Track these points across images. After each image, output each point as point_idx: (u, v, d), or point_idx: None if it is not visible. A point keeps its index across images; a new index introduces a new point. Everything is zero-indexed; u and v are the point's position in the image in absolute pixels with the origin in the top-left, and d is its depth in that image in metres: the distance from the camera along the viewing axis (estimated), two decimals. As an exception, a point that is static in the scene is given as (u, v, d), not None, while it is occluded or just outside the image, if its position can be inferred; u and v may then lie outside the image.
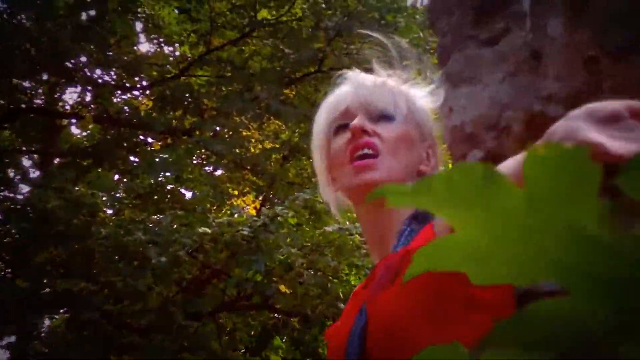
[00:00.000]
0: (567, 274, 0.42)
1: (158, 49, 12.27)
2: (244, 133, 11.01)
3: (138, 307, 9.40)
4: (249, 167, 10.75)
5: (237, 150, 10.23)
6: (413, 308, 1.40)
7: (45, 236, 8.65)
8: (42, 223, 8.55)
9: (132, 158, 11.01)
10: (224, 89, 10.76)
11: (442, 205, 0.42)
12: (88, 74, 10.47)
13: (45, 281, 8.91)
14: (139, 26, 11.69)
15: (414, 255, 0.45)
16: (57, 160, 11.63)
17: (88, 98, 11.49)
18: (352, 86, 1.79)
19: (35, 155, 11.87)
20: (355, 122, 1.70)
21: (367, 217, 1.73)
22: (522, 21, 1.56)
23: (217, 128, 10.61)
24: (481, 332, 0.43)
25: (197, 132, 10.34)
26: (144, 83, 11.44)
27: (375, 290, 1.51)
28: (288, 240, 9.03)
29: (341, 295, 9.68)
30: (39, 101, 11.61)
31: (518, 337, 0.42)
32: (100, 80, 10.78)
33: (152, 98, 11.42)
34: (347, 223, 8.98)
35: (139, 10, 11.29)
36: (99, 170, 11.09)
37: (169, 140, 11.13)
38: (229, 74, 10.79)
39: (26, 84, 10.86)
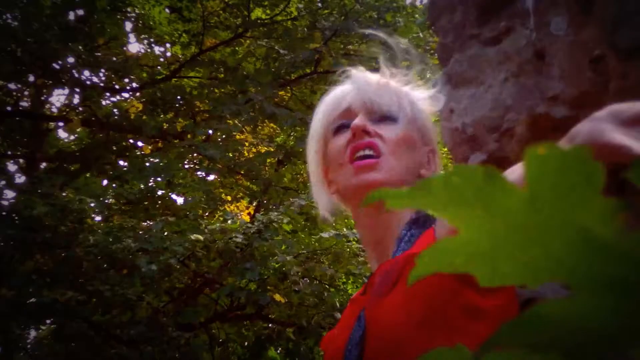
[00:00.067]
0: (572, 274, 0.42)
1: (148, 50, 12.29)
2: (238, 136, 11.00)
3: (127, 318, 9.39)
4: (242, 172, 10.74)
5: (231, 155, 10.22)
6: (413, 316, 1.40)
7: (31, 244, 8.63)
8: (28, 230, 8.53)
9: (121, 163, 11.01)
10: (216, 91, 10.76)
11: (443, 206, 0.42)
12: (76, 75, 10.46)
13: (31, 290, 8.88)
14: (128, 26, 11.73)
15: (418, 257, 0.45)
16: (43, 165, 11.61)
17: (76, 100, 11.51)
18: (355, 85, 1.79)
19: (21, 160, 11.85)
20: (357, 121, 1.69)
21: (366, 221, 1.73)
22: (526, 19, 1.55)
23: (210, 131, 10.60)
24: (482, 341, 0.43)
25: (189, 136, 10.34)
26: (134, 85, 11.44)
27: (374, 297, 1.50)
28: (283, 247, 9.02)
29: (338, 304, 9.68)
30: (25, 104, 11.62)
31: (523, 338, 0.42)
32: (88, 82, 10.78)
33: (142, 100, 11.41)
34: (345, 229, 8.98)
35: (129, 9, 11.31)
36: (87, 175, 11.09)
37: (159, 144, 11.14)
38: (222, 76, 10.79)
39: (12, 86, 10.87)
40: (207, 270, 9.63)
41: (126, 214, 10.37)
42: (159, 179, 10.18)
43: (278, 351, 12.11)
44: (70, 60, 10.26)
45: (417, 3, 11.50)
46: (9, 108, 10.82)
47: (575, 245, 0.41)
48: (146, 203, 10.32)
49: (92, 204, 9.56)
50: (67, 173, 10.73)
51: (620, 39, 1.39)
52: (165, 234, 9.01)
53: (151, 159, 10.35)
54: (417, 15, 11.09)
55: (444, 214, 0.43)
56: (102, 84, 11.07)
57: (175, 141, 10.44)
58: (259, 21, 11.17)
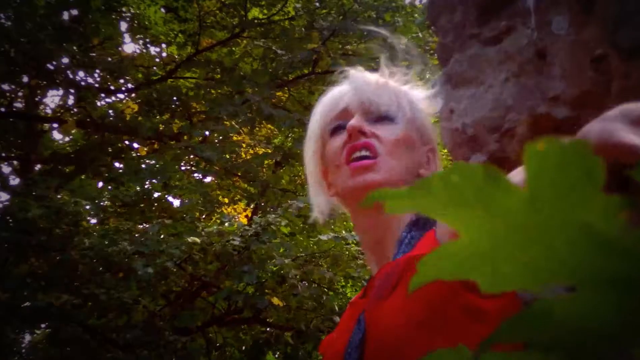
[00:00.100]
0: (575, 273, 0.42)
1: (144, 50, 12.28)
2: (235, 138, 11.01)
3: (123, 322, 9.39)
4: (239, 174, 10.75)
5: (228, 156, 10.22)
6: (413, 318, 1.40)
7: (25, 246, 8.63)
8: (22, 233, 8.52)
9: (117, 164, 11.02)
10: (213, 91, 10.76)
11: (442, 207, 0.43)
12: (70, 76, 10.47)
13: (25, 294, 8.88)
14: (123, 26, 11.72)
15: (419, 264, 0.45)
16: (38, 167, 11.61)
17: (70, 102, 11.51)
18: (352, 85, 1.79)
19: (15, 162, 11.85)
20: (353, 122, 1.69)
21: (364, 223, 1.73)
22: (527, 18, 1.56)
23: (207, 133, 10.60)
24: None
25: (185, 137, 10.34)
26: (129, 86, 11.44)
27: (374, 299, 1.50)
28: (281, 250, 9.02)
29: (337, 308, 9.68)
30: (19, 105, 11.62)
31: (524, 336, 0.42)
32: (83, 83, 10.79)
33: (137, 101, 11.42)
34: (343, 232, 8.98)
35: (124, 9, 11.30)
36: (82, 177, 11.09)
37: (155, 146, 11.13)
38: (219, 76, 10.80)
39: (5, 87, 10.85)
40: (204, 273, 9.62)
41: (122, 216, 10.38)
42: (155, 181, 10.19)
43: (276, 355, 12.11)
44: (65, 60, 10.27)
45: (417, 2, 11.50)
46: (2, 109, 10.82)
47: (578, 243, 0.41)
48: (142, 205, 10.34)
49: (88, 207, 9.56)
50: (62, 175, 10.73)
51: (621, 39, 1.40)
52: (162, 236, 9.01)
53: (147, 161, 10.35)
54: (416, 15, 11.09)
55: (444, 216, 0.43)
56: (97, 85, 11.07)
57: (172, 143, 10.44)
58: (256, 21, 11.17)
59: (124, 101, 12.08)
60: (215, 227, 9.29)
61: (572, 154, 0.40)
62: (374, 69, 1.85)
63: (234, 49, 11.55)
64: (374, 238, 1.70)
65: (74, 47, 9.96)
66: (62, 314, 8.65)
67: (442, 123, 1.75)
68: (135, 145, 11.36)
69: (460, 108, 1.67)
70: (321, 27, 10.41)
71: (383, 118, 1.73)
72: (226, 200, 12.05)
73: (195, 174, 11.45)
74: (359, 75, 1.82)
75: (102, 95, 11.50)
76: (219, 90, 10.70)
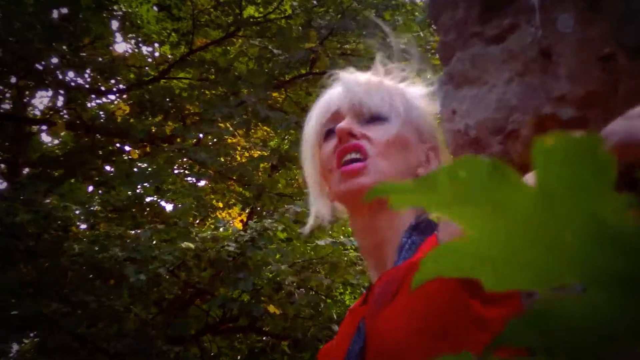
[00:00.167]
0: (584, 272, 0.42)
1: (136, 50, 12.27)
2: (230, 140, 11.00)
3: (114, 330, 9.38)
4: (234, 177, 10.75)
5: (222, 159, 10.23)
6: (414, 327, 1.40)
7: (13, 252, 8.61)
8: (10, 238, 8.51)
9: (107, 168, 11.01)
10: (207, 92, 10.76)
11: (448, 203, 0.42)
12: (60, 76, 10.47)
13: (13, 302, 8.87)
14: (114, 25, 11.70)
15: (422, 260, 0.45)
16: (26, 171, 11.60)
17: (60, 103, 11.50)
18: (343, 87, 1.80)
19: (2, 165, 11.83)
20: (342, 124, 1.70)
21: (360, 226, 1.73)
22: (531, 16, 1.56)
23: (201, 135, 10.61)
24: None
25: (179, 140, 10.32)
26: (121, 86, 11.44)
27: (374, 307, 1.50)
28: (277, 256, 9.02)
29: (335, 316, 9.68)
30: (6, 106, 11.60)
31: (531, 337, 0.42)
32: (73, 84, 10.79)
33: (129, 103, 11.41)
34: (342, 237, 8.98)
35: (115, 7, 11.29)
36: (72, 181, 11.08)
37: (147, 149, 11.12)
38: (213, 77, 10.79)
39: (-8, 87, 10.85)
40: (198, 280, 9.61)
41: (113, 221, 10.35)
42: (147, 184, 10.17)
43: (272, 365, 12.11)
44: (54, 60, 10.26)
45: (417, 0, 11.50)
46: (-11, 111, 10.82)
47: (588, 241, 0.41)
48: (134, 210, 10.31)
49: (77, 211, 9.55)
50: (51, 179, 10.72)
51: (627, 38, 1.40)
52: (154, 242, 9.01)
53: (139, 164, 10.34)
54: (417, 13, 11.09)
55: (449, 212, 0.43)
56: (87, 86, 11.06)
57: (164, 145, 10.43)
58: (251, 19, 11.17)
59: (115, 102, 12.07)
60: (209, 232, 9.29)
61: (583, 149, 0.39)
62: (374, 64, 1.86)
63: (228, 48, 11.55)
64: (373, 242, 1.69)
65: (64, 47, 9.96)
66: (51, 322, 8.63)
67: (444, 124, 1.75)
68: (127, 148, 11.35)
69: (462, 109, 1.67)
70: (319, 25, 10.42)
71: (375, 118, 1.73)
72: (221, 204, 12.04)
73: (189, 178, 11.43)
74: (348, 76, 1.82)
75: (93, 96, 11.50)
76: (214, 91, 10.70)
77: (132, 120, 10.69)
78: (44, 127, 11.76)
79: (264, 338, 11.30)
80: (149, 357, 9.04)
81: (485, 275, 0.43)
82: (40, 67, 10.10)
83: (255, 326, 10.49)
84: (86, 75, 11.03)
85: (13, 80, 10.82)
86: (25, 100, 11.76)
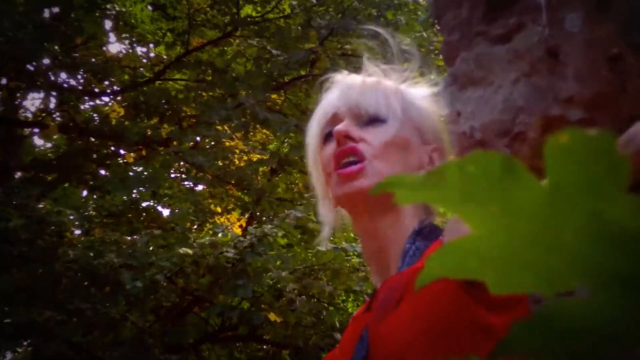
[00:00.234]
0: (593, 275, 0.42)
1: (130, 50, 12.28)
2: (227, 143, 11.01)
3: (110, 338, 9.37)
4: (233, 182, 10.74)
5: (220, 163, 10.21)
6: (417, 328, 1.40)
7: (6, 258, 8.61)
8: (2, 244, 8.51)
9: (102, 172, 11.00)
10: (204, 94, 10.75)
11: (456, 199, 0.43)
12: (52, 78, 10.47)
13: (6, 309, 8.87)
14: (108, 24, 11.70)
15: (426, 260, 0.45)
16: (18, 175, 11.59)
17: (52, 105, 11.49)
18: (339, 89, 1.81)
19: (-7, 169, 11.84)
20: (339, 127, 1.71)
21: (361, 229, 1.73)
22: (538, 15, 1.56)
23: (198, 138, 10.61)
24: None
25: (175, 143, 10.33)
26: (115, 88, 11.44)
27: (377, 314, 1.51)
28: (278, 262, 9.01)
29: (337, 324, 9.67)
30: (-3, 109, 11.60)
31: (538, 340, 0.42)
32: (65, 85, 10.79)
33: (124, 105, 11.40)
34: (344, 243, 8.97)
35: (108, 6, 11.29)
36: (66, 185, 11.06)
37: (143, 152, 11.12)
38: (210, 78, 10.79)
39: (-18, 89, 10.85)
40: (197, 287, 9.61)
41: (108, 227, 10.35)
42: (143, 189, 10.17)
43: (273, 374, 12.10)
44: (46, 61, 10.26)
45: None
46: (-20, 113, 10.81)
47: (599, 242, 0.41)
48: (130, 215, 10.31)
49: (72, 217, 9.56)
50: (44, 183, 10.70)
51: (635, 38, 1.40)
52: (151, 248, 9.00)
53: (134, 168, 10.35)
54: (419, 13, 11.09)
55: (456, 209, 0.43)
56: (80, 87, 11.06)
57: (160, 149, 10.42)
58: (249, 19, 11.17)
59: (109, 104, 12.07)
60: (207, 238, 9.28)
61: (598, 147, 0.40)
62: (370, 65, 1.87)
63: (226, 48, 11.55)
64: (375, 246, 1.70)
65: (56, 47, 9.96)
66: (46, 330, 8.63)
67: (448, 126, 1.75)
68: (122, 151, 11.35)
69: (467, 110, 1.67)
70: (319, 25, 10.42)
71: (374, 120, 1.74)
72: (219, 209, 12.04)
73: (186, 182, 11.45)
74: (344, 78, 1.83)
75: (86, 98, 11.49)
76: (211, 93, 10.69)
77: (126, 122, 10.69)
78: (36, 130, 11.75)
79: (265, 347, 11.29)
80: (145, 366, 9.04)
81: (489, 276, 0.44)
82: (32, 68, 10.09)
83: (256, 334, 10.49)
84: (79, 77, 11.02)
85: (4, 81, 10.82)
86: (16, 102, 11.75)
